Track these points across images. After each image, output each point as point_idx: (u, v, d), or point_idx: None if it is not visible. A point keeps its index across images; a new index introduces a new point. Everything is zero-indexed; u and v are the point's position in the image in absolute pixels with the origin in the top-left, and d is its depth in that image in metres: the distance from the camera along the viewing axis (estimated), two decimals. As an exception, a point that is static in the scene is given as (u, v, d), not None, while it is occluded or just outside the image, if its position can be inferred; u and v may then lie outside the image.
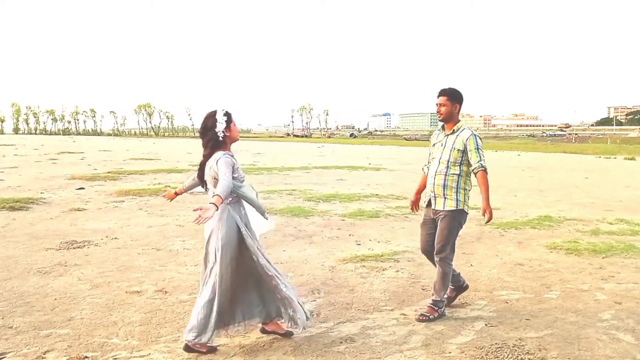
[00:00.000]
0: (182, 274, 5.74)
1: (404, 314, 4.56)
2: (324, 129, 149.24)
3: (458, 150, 4.43)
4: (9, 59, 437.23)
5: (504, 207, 10.65)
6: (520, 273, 5.89)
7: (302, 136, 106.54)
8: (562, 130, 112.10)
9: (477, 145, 4.42)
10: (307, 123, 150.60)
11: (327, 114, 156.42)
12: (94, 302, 4.79)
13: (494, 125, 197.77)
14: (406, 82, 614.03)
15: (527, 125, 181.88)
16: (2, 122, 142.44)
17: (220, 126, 3.75)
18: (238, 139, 3.91)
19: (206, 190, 3.87)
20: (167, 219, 9.11)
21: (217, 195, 3.49)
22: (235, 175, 3.71)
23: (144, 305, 4.74)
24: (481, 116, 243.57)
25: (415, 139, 79.37)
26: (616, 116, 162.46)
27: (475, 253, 6.84)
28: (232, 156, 3.76)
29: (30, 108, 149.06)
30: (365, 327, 4.25)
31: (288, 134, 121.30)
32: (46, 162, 23.71)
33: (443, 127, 4.61)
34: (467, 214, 4.54)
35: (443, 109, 4.48)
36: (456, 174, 4.44)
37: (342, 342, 3.95)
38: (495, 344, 3.94)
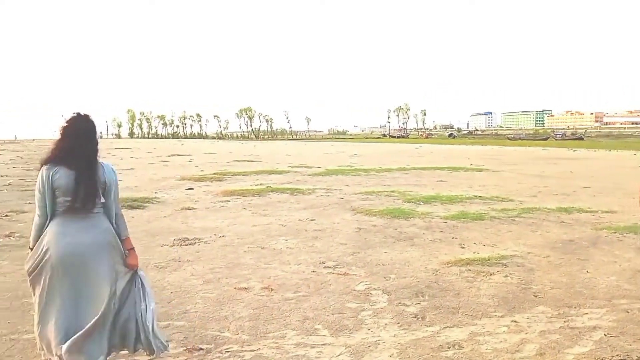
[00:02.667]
0: (286, 272, 5.88)
1: (515, 321, 4.36)
2: (421, 129, 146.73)
3: None
4: (125, 69, 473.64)
5: (621, 210, 9.89)
6: (644, 282, 5.43)
7: (398, 137, 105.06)
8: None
9: None
10: (403, 123, 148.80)
11: (424, 114, 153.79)
12: (206, 296, 5.04)
13: (606, 123, 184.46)
14: (509, 79, 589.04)
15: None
16: (119, 127, 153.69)
17: None
18: None
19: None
20: (270, 218, 9.39)
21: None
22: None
23: (251, 301, 4.92)
24: (592, 113, 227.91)
25: (520, 139, 74.95)
26: None
27: (590, 259, 6.39)
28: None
29: (143, 114, 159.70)
30: (473, 333, 4.11)
31: (384, 135, 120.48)
32: (158, 164, 25.35)
33: None
34: None
35: None
36: None
37: (449, 347, 3.85)
38: (617, 355, 3.67)
